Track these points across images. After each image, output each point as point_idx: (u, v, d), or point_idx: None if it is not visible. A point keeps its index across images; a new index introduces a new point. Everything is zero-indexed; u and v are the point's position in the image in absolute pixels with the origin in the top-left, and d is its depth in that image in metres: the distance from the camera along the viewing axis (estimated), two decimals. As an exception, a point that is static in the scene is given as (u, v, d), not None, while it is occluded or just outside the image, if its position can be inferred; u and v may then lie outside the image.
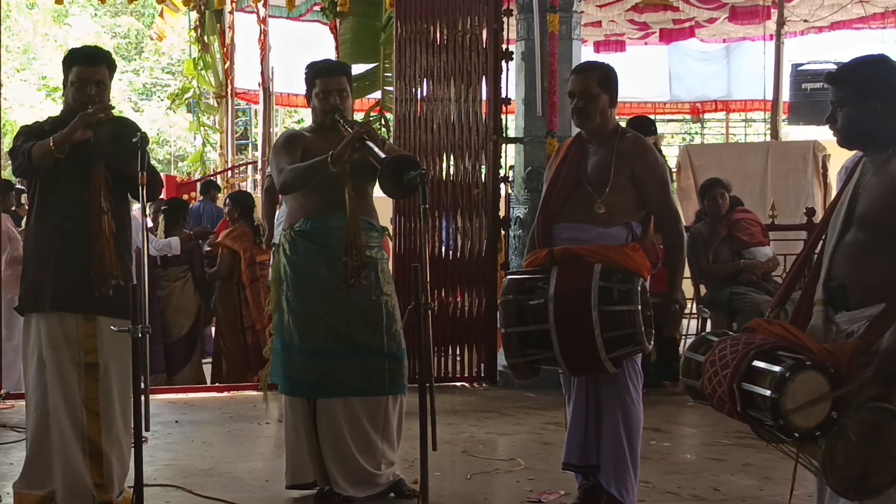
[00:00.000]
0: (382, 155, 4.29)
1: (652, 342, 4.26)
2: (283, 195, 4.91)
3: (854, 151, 3.31)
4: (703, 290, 7.93)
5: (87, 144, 4.10)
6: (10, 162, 4.43)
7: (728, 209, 7.78)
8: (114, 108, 4.28)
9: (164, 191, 12.93)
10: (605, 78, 4.38)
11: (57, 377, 4.24)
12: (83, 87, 4.30)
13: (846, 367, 2.85)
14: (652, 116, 18.00)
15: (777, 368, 2.85)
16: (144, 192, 3.74)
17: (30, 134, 4.30)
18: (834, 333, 3.06)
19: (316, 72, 4.69)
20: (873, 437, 2.83)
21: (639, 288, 4.12)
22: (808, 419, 2.82)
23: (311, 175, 4.50)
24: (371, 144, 4.36)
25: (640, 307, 4.09)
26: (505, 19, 7.85)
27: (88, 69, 4.32)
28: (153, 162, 4.62)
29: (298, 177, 4.51)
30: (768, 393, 2.83)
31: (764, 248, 7.78)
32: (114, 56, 4.56)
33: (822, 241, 3.22)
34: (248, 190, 15.26)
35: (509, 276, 4.47)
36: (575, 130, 7.42)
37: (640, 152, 4.37)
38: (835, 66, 3.28)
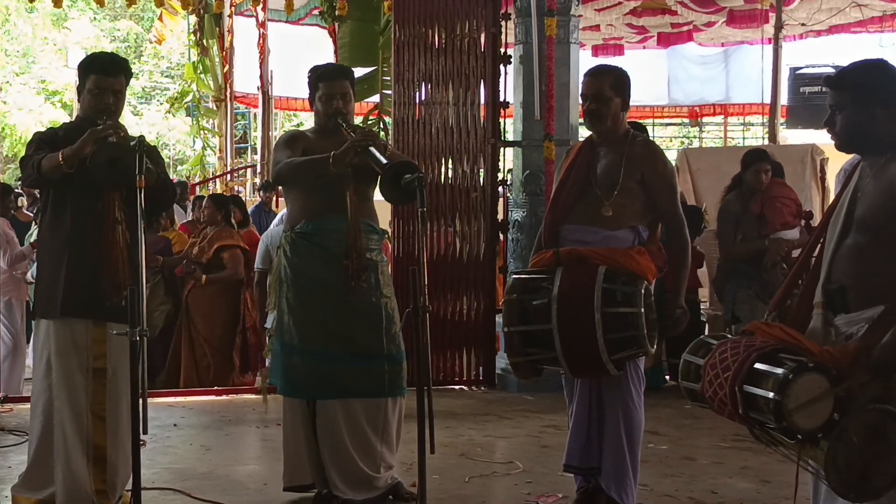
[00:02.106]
0: (384, 161, 4.30)
1: (655, 345, 4.28)
2: (275, 185, 4.93)
3: (852, 155, 3.32)
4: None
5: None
6: (7, 165, 4.44)
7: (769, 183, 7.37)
8: (124, 127, 4.27)
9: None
10: (618, 81, 4.40)
11: (63, 381, 4.24)
12: (101, 96, 4.29)
13: (847, 369, 2.86)
14: (650, 120, 18.08)
15: (779, 371, 2.86)
16: (142, 195, 3.74)
17: (42, 142, 4.30)
18: (833, 336, 3.07)
19: (319, 75, 4.71)
20: (874, 438, 2.84)
21: (643, 291, 4.14)
22: (810, 420, 2.83)
23: (308, 170, 4.51)
24: (373, 150, 4.37)
25: (643, 310, 4.10)
26: (503, 23, 7.85)
27: (107, 79, 4.31)
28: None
29: (294, 168, 4.52)
30: (771, 395, 2.83)
31: (791, 231, 7.34)
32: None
33: (820, 244, 3.23)
34: (247, 193, 15.28)
35: (514, 276, 4.49)
36: (575, 134, 7.50)
37: (650, 157, 4.40)
38: (833, 70, 3.29)
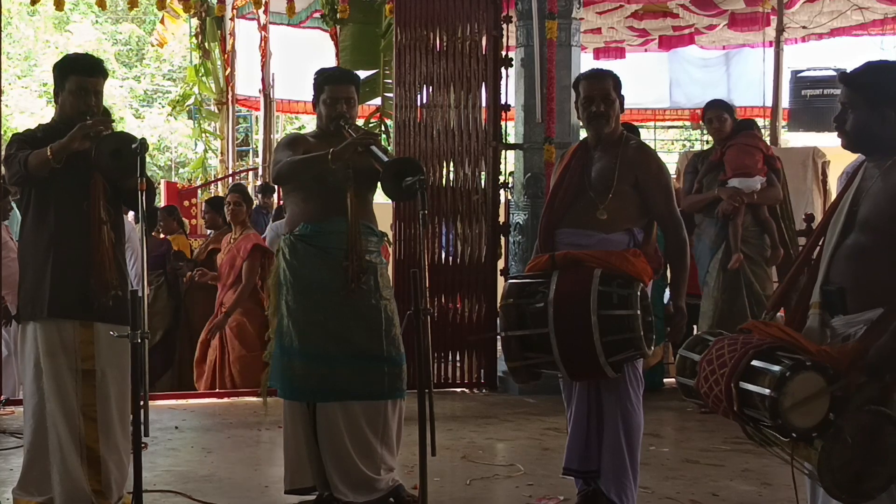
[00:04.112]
0: (385, 158, 4.32)
1: (652, 347, 4.28)
2: (275, 183, 4.93)
3: (856, 156, 3.31)
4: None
5: (85, 155, 4.09)
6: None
7: (730, 134, 6.85)
8: (113, 120, 4.27)
9: (164, 199, 12.92)
10: (617, 83, 4.46)
11: (54, 384, 4.24)
12: (83, 97, 4.29)
13: (845, 369, 2.86)
14: (651, 123, 18.06)
15: (777, 368, 2.86)
16: (144, 198, 3.75)
17: (22, 142, 4.29)
18: (829, 337, 3.07)
19: (325, 78, 4.71)
20: (869, 440, 2.84)
21: (639, 293, 4.14)
22: (805, 419, 2.83)
23: (308, 168, 4.51)
24: (375, 149, 4.38)
25: (639, 312, 4.10)
26: (504, 26, 7.87)
27: (89, 79, 4.31)
28: (152, 169, 4.65)
29: (295, 165, 4.52)
30: (768, 392, 2.84)
31: (750, 179, 6.73)
32: (115, 63, 4.57)
33: (820, 245, 3.23)
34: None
35: (510, 280, 4.49)
36: (576, 137, 7.50)
37: (644, 160, 4.42)
38: (835, 73, 3.29)
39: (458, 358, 7.89)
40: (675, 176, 10.70)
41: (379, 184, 4.55)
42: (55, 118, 4.43)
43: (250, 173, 16.55)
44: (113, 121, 4.24)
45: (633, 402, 4.36)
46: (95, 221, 4.25)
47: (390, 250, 7.58)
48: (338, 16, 10.87)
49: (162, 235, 8.76)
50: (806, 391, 2.82)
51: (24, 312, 4.38)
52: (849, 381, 2.85)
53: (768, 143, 13.04)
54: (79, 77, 4.31)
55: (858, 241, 3.06)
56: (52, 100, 4.39)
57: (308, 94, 4.80)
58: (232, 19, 14.79)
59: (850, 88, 3.12)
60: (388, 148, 7.48)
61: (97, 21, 25.85)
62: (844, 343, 2.98)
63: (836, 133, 3.19)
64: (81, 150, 4.09)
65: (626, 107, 4.54)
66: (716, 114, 6.89)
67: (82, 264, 4.24)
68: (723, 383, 2.94)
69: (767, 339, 3.00)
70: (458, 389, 7.83)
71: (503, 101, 7.85)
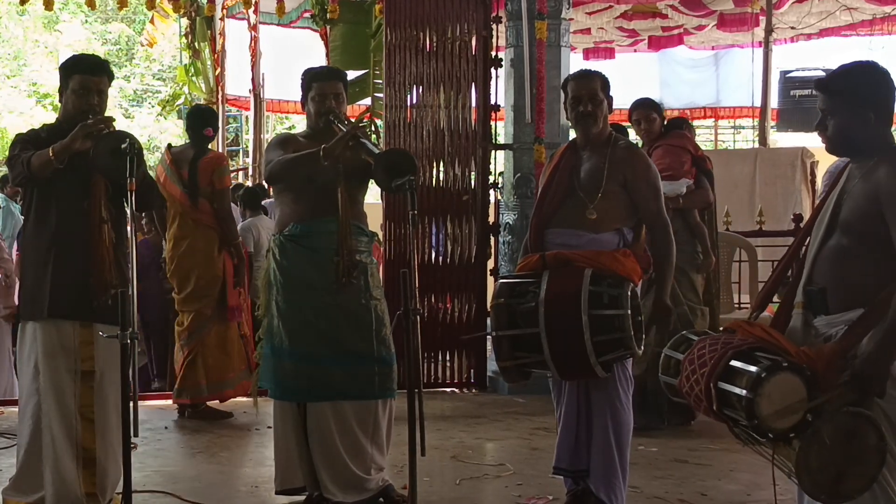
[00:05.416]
0: (376, 150, 4.34)
1: (642, 347, 4.30)
2: (268, 184, 4.94)
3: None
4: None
5: (87, 155, 4.09)
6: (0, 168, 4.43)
7: (660, 134, 6.37)
8: (114, 120, 4.28)
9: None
10: (605, 84, 4.48)
11: (51, 384, 4.24)
12: (86, 96, 4.30)
13: (823, 370, 2.88)
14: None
15: (753, 369, 2.88)
16: (133, 198, 3.75)
17: (26, 142, 4.29)
18: (812, 337, 3.09)
19: (312, 76, 4.72)
20: (848, 441, 2.85)
21: (629, 293, 4.16)
22: (782, 420, 2.85)
23: (300, 165, 4.50)
24: (365, 142, 4.39)
25: (629, 312, 4.12)
26: (494, 26, 7.88)
27: (92, 78, 4.32)
28: (150, 173, 4.65)
29: (287, 164, 4.52)
30: (744, 393, 2.86)
31: (676, 181, 6.21)
32: (106, 63, 4.56)
33: (805, 245, 3.26)
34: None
35: (501, 280, 4.51)
36: (565, 137, 7.52)
37: (633, 160, 4.44)
38: (824, 74, 3.30)
39: (447, 358, 7.89)
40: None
41: (371, 180, 4.56)
42: (59, 118, 4.45)
43: (240, 173, 16.54)
44: (114, 120, 4.24)
45: (623, 401, 4.38)
46: (96, 221, 4.25)
47: (381, 250, 7.58)
48: (328, 16, 10.86)
49: (140, 236, 8.70)
50: (782, 392, 2.84)
51: (24, 312, 4.39)
52: (826, 382, 2.86)
53: (757, 143, 13.05)
54: (82, 76, 4.32)
55: (840, 242, 3.08)
56: (41, 99, 4.39)
57: (298, 93, 4.80)
58: (222, 19, 14.75)
59: (828, 94, 3.13)
60: (378, 143, 7.47)
61: (87, 21, 25.77)
62: (824, 344, 3.00)
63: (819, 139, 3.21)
64: (83, 150, 4.09)
65: (615, 107, 4.56)
66: (643, 114, 6.40)
67: (83, 264, 4.24)
68: (702, 383, 2.97)
69: (748, 340, 3.02)
70: (448, 389, 7.83)
71: (493, 102, 7.86)
